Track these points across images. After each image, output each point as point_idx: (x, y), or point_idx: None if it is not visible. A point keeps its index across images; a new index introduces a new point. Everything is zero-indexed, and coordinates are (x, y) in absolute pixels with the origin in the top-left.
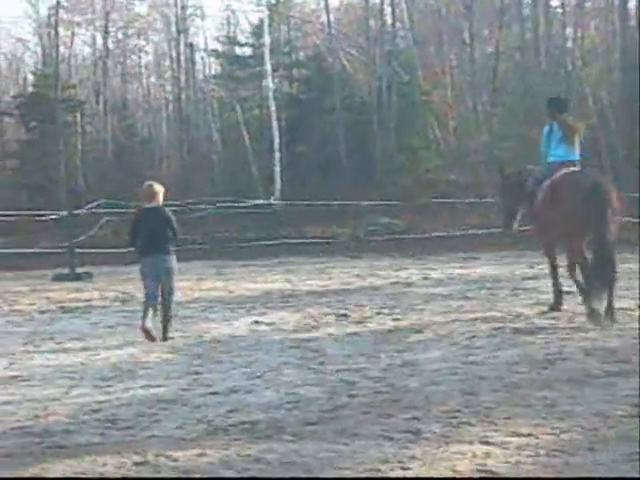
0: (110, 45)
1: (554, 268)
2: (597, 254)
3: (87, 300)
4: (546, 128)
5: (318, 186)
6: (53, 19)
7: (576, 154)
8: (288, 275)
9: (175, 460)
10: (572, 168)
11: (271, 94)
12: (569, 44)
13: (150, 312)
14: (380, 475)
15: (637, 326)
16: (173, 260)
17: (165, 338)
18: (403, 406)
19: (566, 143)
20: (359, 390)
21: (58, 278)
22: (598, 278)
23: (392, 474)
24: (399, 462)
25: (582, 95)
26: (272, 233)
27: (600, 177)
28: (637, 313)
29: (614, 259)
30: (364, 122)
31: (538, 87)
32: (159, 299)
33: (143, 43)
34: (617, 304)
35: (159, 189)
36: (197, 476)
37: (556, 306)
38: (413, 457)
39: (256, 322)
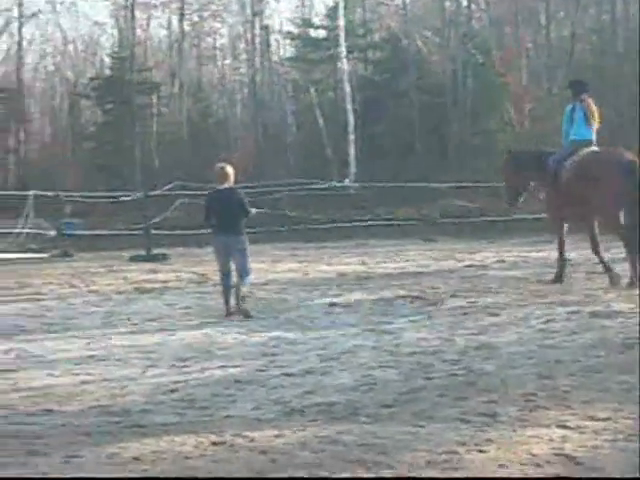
0: (186, 27)
1: (563, 243)
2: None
3: (163, 281)
4: (569, 107)
5: (392, 168)
6: (130, 2)
7: (593, 134)
8: (363, 257)
9: (252, 440)
10: (593, 147)
11: (346, 76)
12: None
13: (231, 296)
14: (456, 458)
15: None
16: (245, 240)
17: (245, 314)
18: (479, 389)
19: (587, 123)
20: (435, 373)
21: (134, 259)
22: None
23: (469, 457)
24: (476, 445)
25: None
26: (346, 215)
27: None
28: None
29: None
30: (439, 104)
31: (614, 69)
32: (232, 279)
33: (218, 25)
34: None
35: (231, 171)
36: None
37: (560, 278)
38: (489, 440)
39: (331, 304)
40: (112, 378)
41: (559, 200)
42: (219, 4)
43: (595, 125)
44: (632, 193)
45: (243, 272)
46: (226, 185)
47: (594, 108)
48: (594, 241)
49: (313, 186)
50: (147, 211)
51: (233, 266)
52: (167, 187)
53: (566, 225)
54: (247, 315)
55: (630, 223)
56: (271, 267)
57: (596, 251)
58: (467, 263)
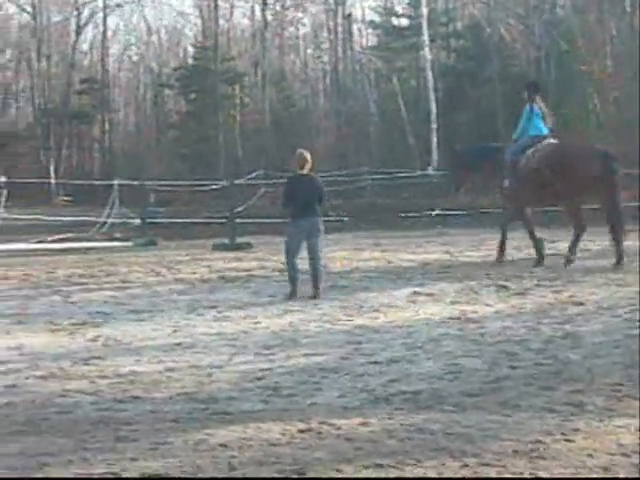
0: (268, 17)
1: (531, 223)
2: (612, 214)
3: (247, 270)
4: (528, 106)
5: None
6: None
7: (547, 130)
8: (446, 246)
9: (338, 428)
10: (552, 140)
11: (428, 65)
12: None
13: (298, 279)
14: (543, 447)
15: None
16: (321, 223)
17: (316, 295)
18: (565, 378)
19: (544, 121)
20: (520, 362)
21: (218, 248)
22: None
23: (556, 446)
24: (562, 434)
25: None
26: (429, 204)
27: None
28: None
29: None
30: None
31: None
32: (297, 260)
33: (301, 15)
34: None
35: (309, 157)
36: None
37: (541, 261)
38: (576, 429)
39: (415, 292)
40: (198, 365)
41: (521, 188)
42: None
43: (549, 123)
44: (610, 179)
45: (317, 256)
46: (305, 171)
47: (545, 108)
48: (529, 222)
49: (396, 174)
50: (232, 200)
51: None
52: (251, 176)
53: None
54: (317, 297)
55: (611, 208)
56: (354, 255)
57: (531, 234)
58: (550, 252)
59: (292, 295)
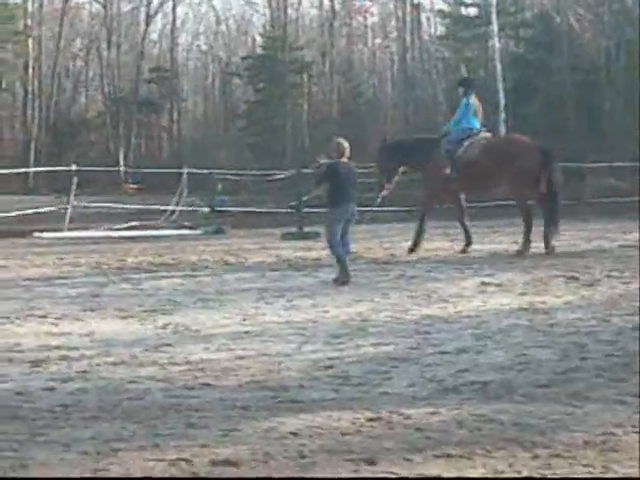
0: (337, 6)
1: (463, 220)
2: (552, 203)
3: (315, 259)
4: (464, 101)
5: None
6: None
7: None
8: (514, 237)
9: (408, 418)
10: (486, 134)
11: (497, 54)
12: None
13: (345, 259)
14: (614, 439)
15: None
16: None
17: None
18: (635, 370)
19: (476, 116)
20: (590, 353)
21: (286, 237)
22: (553, 222)
23: (626, 438)
24: (633, 426)
25: None
26: (497, 194)
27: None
28: None
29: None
30: (592, 82)
31: None
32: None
33: (369, 4)
34: None
35: (348, 146)
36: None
37: (416, 247)
38: None
39: (484, 283)
40: (267, 353)
41: (460, 177)
42: None
43: (480, 118)
44: (550, 173)
45: (348, 241)
46: (344, 159)
47: (478, 104)
48: (463, 211)
49: None
50: (299, 189)
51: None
52: (317, 165)
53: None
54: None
55: (547, 196)
56: (422, 245)
57: (461, 220)
58: (620, 243)
59: (347, 275)
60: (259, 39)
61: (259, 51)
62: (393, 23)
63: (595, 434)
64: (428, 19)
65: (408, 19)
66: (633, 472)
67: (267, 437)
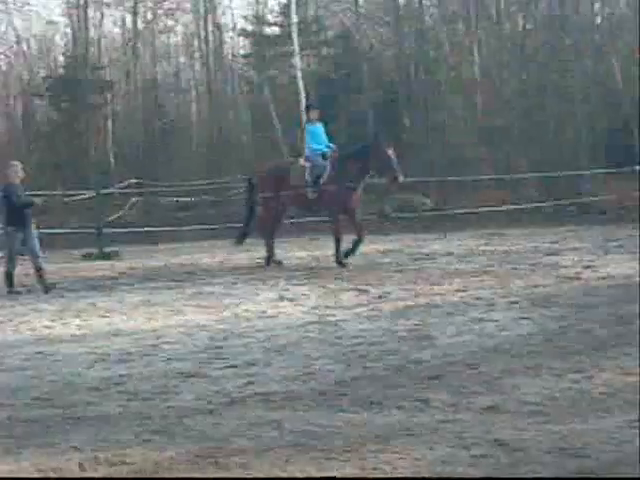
0: (139, 26)
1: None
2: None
3: (112, 277)
4: (312, 127)
5: None
6: (82, 0)
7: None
8: (314, 251)
9: (190, 429)
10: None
11: (299, 73)
12: (598, 20)
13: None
14: (387, 441)
15: None
16: None
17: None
18: (414, 377)
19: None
20: (373, 362)
21: (87, 257)
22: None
23: (399, 441)
24: (406, 429)
25: (610, 70)
26: (300, 211)
27: None
28: None
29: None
30: (392, 100)
31: (566, 63)
32: None
33: (172, 23)
34: None
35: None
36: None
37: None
38: (421, 424)
39: (279, 297)
40: (58, 373)
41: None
42: (172, 2)
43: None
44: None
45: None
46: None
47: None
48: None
49: None
50: (101, 210)
51: None
52: (122, 185)
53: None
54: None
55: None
56: (226, 261)
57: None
58: (416, 257)
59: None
60: (61, 59)
61: (61, 71)
62: (196, 42)
63: (368, 437)
64: (232, 38)
65: (211, 38)
66: (402, 472)
67: (48, 453)
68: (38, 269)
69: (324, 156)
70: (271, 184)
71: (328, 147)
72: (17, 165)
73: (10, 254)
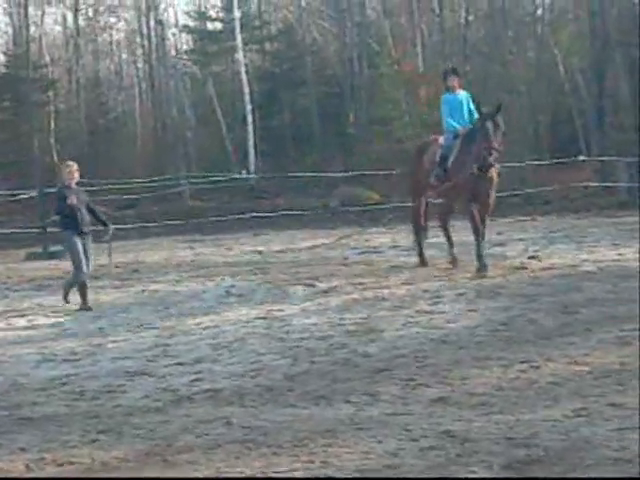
0: (81, 23)
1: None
2: None
3: (59, 277)
4: (450, 97)
5: (292, 158)
6: None
7: None
8: (260, 247)
9: (138, 427)
10: None
11: (243, 68)
12: (539, 11)
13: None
14: (334, 435)
15: None
16: None
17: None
18: (361, 370)
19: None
20: (320, 357)
21: (31, 256)
22: None
23: (347, 435)
24: (355, 423)
25: (553, 61)
26: (247, 207)
27: None
28: None
29: None
30: (336, 94)
31: (508, 55)
32: None
33: (114, 20)
34: None
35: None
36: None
37: None
38: (370, 417)
39: (226, 293)
40: (4, 374)
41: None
42: None
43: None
44: None
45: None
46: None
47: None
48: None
49: (213, 178)
50: (44, 209)
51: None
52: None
53: None
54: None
55: None
56: (170, 259)
57: None
58: (362, 250)
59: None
60: (2, 57)
61: (2, 70)
62: (138, 39)
63: (317, 432)
64: (174, 35)
65: (153, 35)
66: (351, 466)
67: None
68: (82, 285)
69: (456, 134)
70: (412, 167)
71: (464, 123)
72: (72, 165)
73: (76, 262)
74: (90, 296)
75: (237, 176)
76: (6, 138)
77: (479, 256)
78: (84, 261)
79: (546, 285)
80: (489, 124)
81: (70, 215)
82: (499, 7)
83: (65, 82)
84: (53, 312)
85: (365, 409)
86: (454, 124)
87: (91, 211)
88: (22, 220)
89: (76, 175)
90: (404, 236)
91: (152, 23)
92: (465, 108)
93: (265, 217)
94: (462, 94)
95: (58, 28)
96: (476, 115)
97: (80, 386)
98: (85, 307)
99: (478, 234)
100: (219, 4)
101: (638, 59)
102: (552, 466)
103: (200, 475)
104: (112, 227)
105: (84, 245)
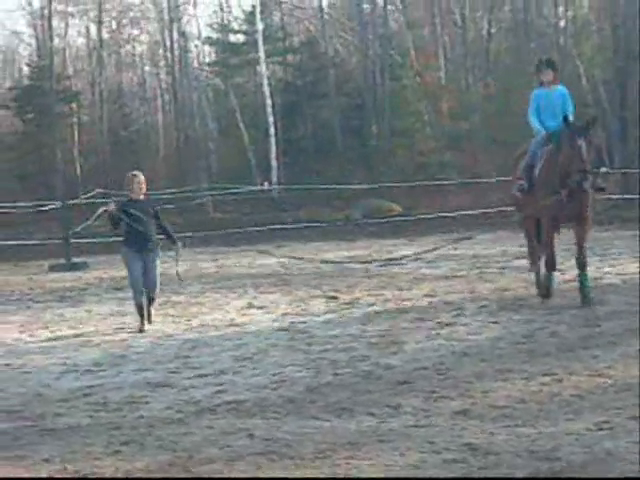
0: (104, 35)
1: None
2: None
3: (82, 288)
4: (541, 92)
5: (314, 171)
6: (47, 10)
7: None
8: (283, 259)
9: (160, 439)
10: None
11: (265, 80)
12: (562, 23)
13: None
14: (356, 447)
15: None
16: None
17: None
18: (384, 382)
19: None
20: (343, 368)
21: (54, 268)
22: None
23: (369, 447)
24: (377, 435)
25: (575, 73)
26: (269, 218)
27: None
28: None
29: None
30: (358, 106)
31: (530, 67)
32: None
33: (137, 32)
34: None
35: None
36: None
37: None
38: (392, 430)
39: (249, 305)
40: (27, 385)
41: None
42: (137, 11)
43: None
44: None
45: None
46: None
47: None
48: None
49: (235, 190)
50: (67, 220)
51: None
52: (88, 195)
53: None
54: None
55: None
56: (193, 270)
57: None
58: (383, 262)
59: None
60: (26, 69)
61: (26, 81)
62: (161, 51)
63: (339, 444)
64: (197, 46)
65: (176, 47)
66: (372, 477)
67: (18, 465)
68: (150, 300)
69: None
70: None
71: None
72: (139, 175)
73: (131, 283)
74: (112, 307)
75: (258, 188)
76: (29, 149)
77: (583, 289)
78: (140, 282)
79: (568, 298)
80: (582, 142)
81: (131, 230)
82: (521, 19)
83: (88, 94)
84: (76, 323)
85: (387, 421)
86: (538, 125)
87: (160, 226)
88: (45, 232)
89: (144, 186)
90: (426, 248)
91: (175, 35)
92: (559, 107)
93: (287, 229)
94: (558, 89)
95: (81, 40)
96: (571, 117)
97: (103, 397)
98: (140, 328)
99: (580, 265)
100: (242, 16)
101: None
102: (574, 479)
103: None
104: (180, 244)
105: (146, 263)
